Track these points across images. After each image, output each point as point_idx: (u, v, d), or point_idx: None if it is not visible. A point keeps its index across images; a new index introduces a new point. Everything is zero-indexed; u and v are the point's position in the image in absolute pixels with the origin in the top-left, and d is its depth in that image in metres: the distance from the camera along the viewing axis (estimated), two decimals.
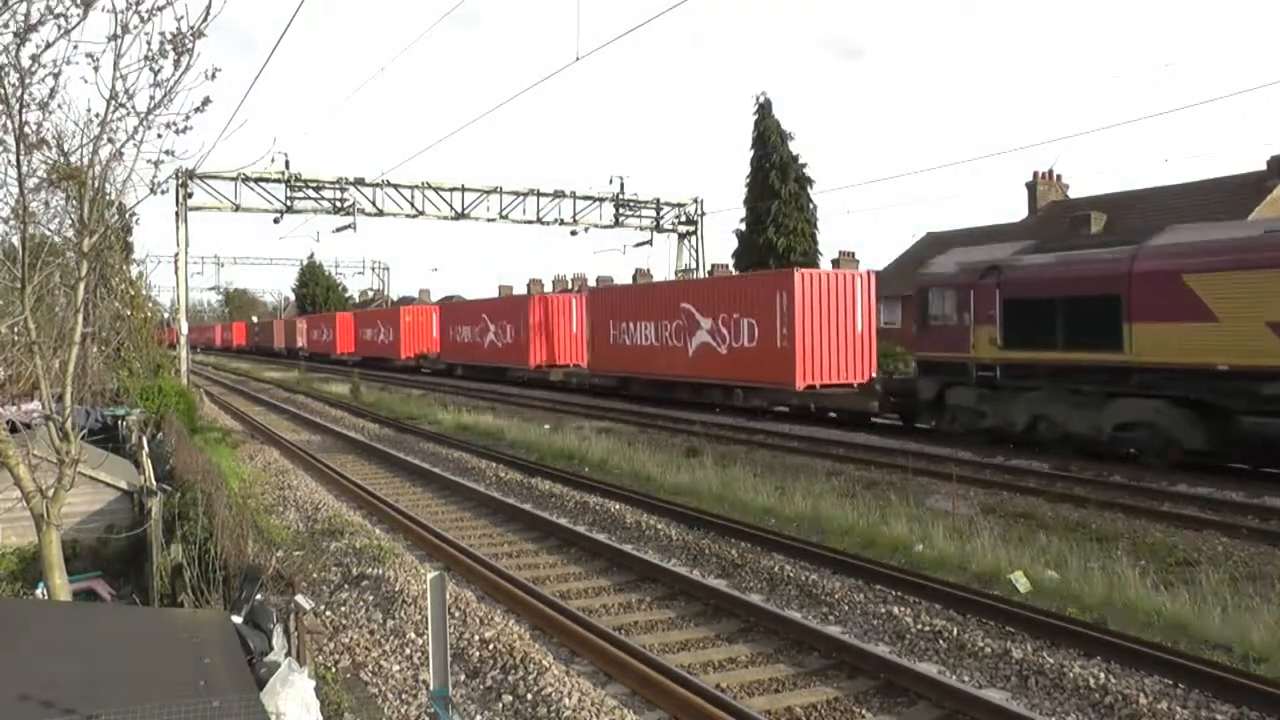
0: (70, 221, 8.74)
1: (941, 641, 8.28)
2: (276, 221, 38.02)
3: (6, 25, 5.75)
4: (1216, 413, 15.02)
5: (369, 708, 7.00)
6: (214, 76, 6.16)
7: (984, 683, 7.53)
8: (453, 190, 39.35)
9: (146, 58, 6.00)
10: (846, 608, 9.32)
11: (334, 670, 7.71)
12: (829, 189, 51.78)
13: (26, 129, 6.02)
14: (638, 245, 44.09)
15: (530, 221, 40.73)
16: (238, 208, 36.71)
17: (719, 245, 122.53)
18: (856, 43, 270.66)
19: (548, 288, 74.56)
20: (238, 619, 6.18)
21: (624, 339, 31.92)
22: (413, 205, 39.03)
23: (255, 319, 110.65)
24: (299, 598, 6.53)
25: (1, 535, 10.20)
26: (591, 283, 70.48)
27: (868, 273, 25.75)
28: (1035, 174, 41.40)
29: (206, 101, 6.22)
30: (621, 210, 41.91)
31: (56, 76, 6.01)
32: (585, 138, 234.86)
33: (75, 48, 5.87)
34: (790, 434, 21.58)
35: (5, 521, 9.67)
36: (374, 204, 38.45)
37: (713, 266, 48.57)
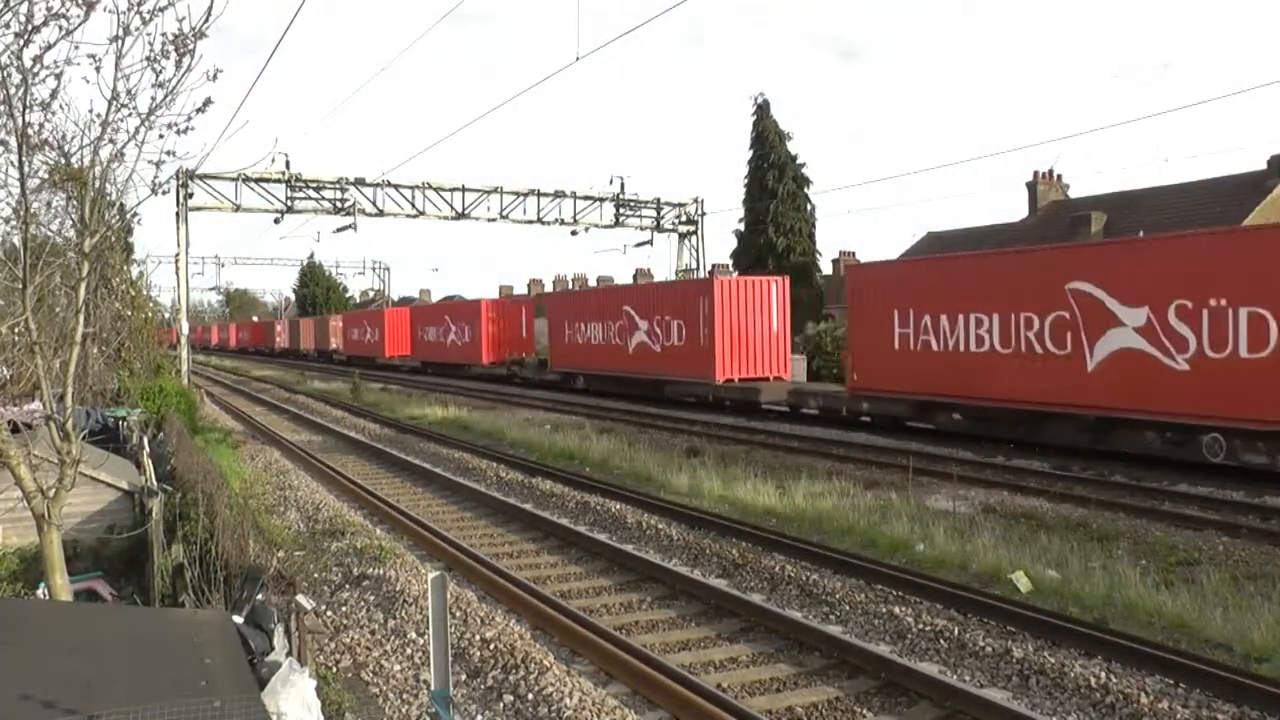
0: (71, 222, 8.75)
1: (942, 641, 8.28)
2: (277, 222, 38.03)
3: (8, 26, 5.76)
4: None
5: (370, 708, 7.01)
6: (215, 77, 6.16)
7: (985, 682, 7.53)
8: (453, 190, 39.34)
9: (148, 58, 6.01)
10: (847, 607, 9.32)
11: (335, 670, 7.71)
12: (829, 189, 51.79)
13: (29, 130, 6.02)
14: (638, 245, 44.11)
15: (530, 221, 40.72)
16: (238, 208, 36.71)
17: (719, 245, 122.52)
18: (855, 43, 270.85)
19: (548, 288, 74.69)
20: (239, 619, 6.17)
21: (577, 338, 34.90)
22: (413, 205, 39.02)
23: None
24: (300, 598, 6.53)
25: (2, 535, 10.20)
26: (592, 282, 70.71)
27: (782, 279, 28.83)
28: (1035, 174, 41.37)
29: (208, 102, 6.22)
30: (622, 210, 41.89)
31: (58, 77, 6.02)
32: (585, 138, 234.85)
33: (77, 48, 5.88)
34: (791, 434, 21.57)
35: (6, 522, 9.67)
36: (374, 204, 38.45)
37: (714, 266, 48.56)
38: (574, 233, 41.71)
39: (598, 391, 33.67)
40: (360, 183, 38.04)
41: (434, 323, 50.73)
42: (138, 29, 5.91)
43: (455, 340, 47.19)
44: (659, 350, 29.89)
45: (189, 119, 6.25)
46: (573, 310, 36.03)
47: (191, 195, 35.49)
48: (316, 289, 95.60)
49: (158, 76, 6.08)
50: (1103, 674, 7.24)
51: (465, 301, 53.72)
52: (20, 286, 6.28)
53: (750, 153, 44.50)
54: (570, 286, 72.06)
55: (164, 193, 7.19)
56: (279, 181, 36.86)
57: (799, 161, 43.97)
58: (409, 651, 8.17)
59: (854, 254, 52.39)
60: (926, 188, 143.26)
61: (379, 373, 51.08)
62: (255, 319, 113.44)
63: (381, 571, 10.30)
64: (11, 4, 5.75)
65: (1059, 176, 41.41)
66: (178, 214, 35.36)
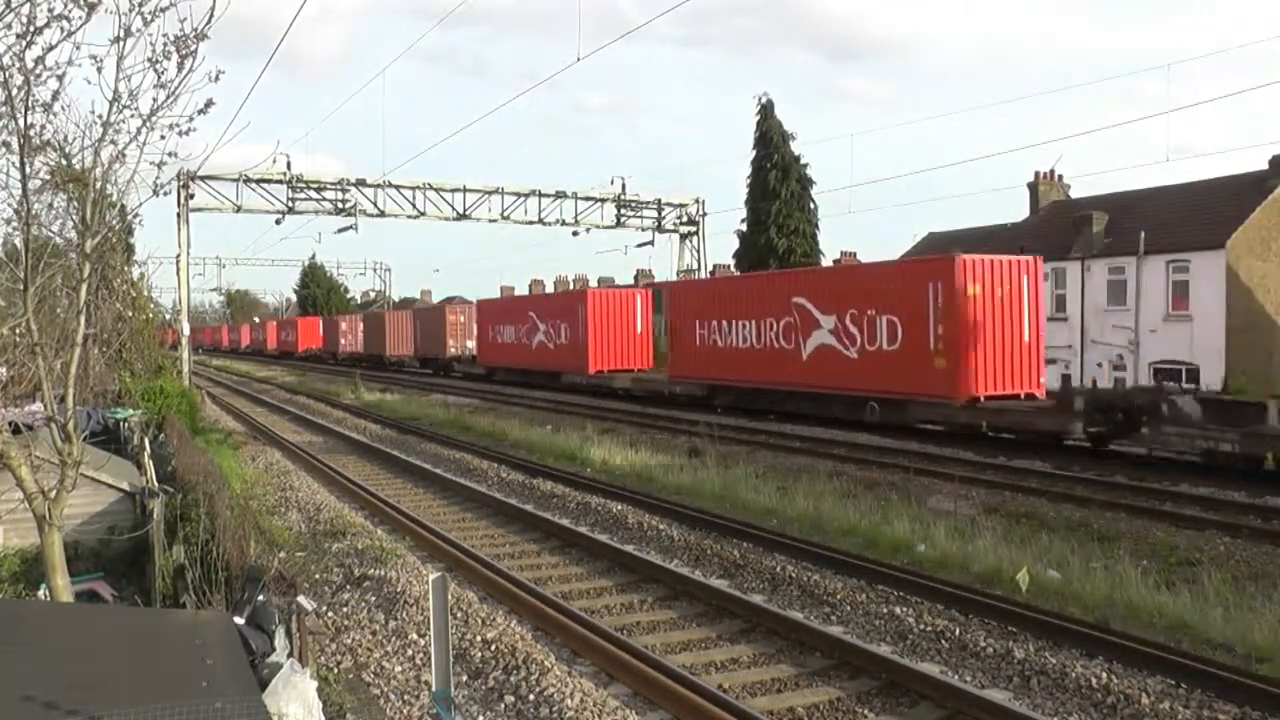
0: (73, 223, 8.74)
1: (944, 641, 8.28)
2: (278, 222, 38.07)
3: (10, 27, 5.77)
4: None
5: (371, 708, 7.01)
6: (217, 79, 6.16)
7: (986, 683, 7.53)
8: (454, 191, 39.37)
9: (150, 60, 6.01)
10: (849, 608, 9.32)
11: (336, 671, 7.71)
12: (831, 189, 51.77)
13: (30, 131, 6.03)
14: (639, 246, 44.13)
15: (532, 222, 40.74)
16: (239, 209, 36.75)
17: (720, 246, 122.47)
18: (854, 44, 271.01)
19: (549, 288, 74.57)
20: (240, 620, 6.17)
21: (715, 340, 27.45)
22: (414, 206, 39.05)
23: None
24: (301, 599, 6.52)
25: (3, 537, 10.20)
26: (593, 283, 70.49)
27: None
28: (1036, 174, 41.33)
29: (210, 103, 6.22)
30: (623, 211, 41.90)
31: (60, 79, 6.02)
32: (586, 138, 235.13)
33: (79, 49, 5.88)
34: (792, 434, 21.57)
35: (7, 523, 9.66)
36: (375, 205, 38.48)
37: (714, 267, 48.58)
38: (575, 233, 41.73)
39: (743, 409, 26.15)
40: (361, 183, 38.07)
41: (513, 319, 40.93)
42: (139, 30, 5.91)
43: (545, 342, 37.81)
44: (854, 357, 22.49)
45: (191, 120, 6.26)
46: (707, 304, 28.32)
47: (193, 196, 35.53)
48: (318, 290, 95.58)
49: (159, 78, 6.09)
50: (1104, 674, 7.24)
51: (563, 293, 49.63)
52: (22, 288, 6.28)
53: (753, 153, 44.49)
54: (571, 288, 71.73)
55: (165, 194, 7.21)
56: (280, 182, 36.88)
57: (802, 163, 43.97)
58: (410, 652, 8.17)
59: (855, 254, 52.38)
60: (928, 188, 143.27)
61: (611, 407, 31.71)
62: (279, 317, 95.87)
63: (383, 572, 10.31)
64: (14, 5, 5.75)
65: (1060, 177, 41.37)
66: (179, 215, 35.39)
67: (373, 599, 9.66)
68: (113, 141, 6.37)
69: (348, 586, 10.24)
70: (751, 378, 25.99)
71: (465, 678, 7.58)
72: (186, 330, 36.81)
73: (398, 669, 7.82)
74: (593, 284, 70.41)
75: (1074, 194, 41.15)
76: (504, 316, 42.08)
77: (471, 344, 47.49)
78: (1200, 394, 18.29)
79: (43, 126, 6.25)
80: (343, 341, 63.60)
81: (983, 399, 19.56)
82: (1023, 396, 19.84)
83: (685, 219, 43.44)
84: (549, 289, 74.08)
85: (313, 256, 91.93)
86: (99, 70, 5.96)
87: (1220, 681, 6.94)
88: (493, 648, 7.95)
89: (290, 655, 5.97)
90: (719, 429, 19.99)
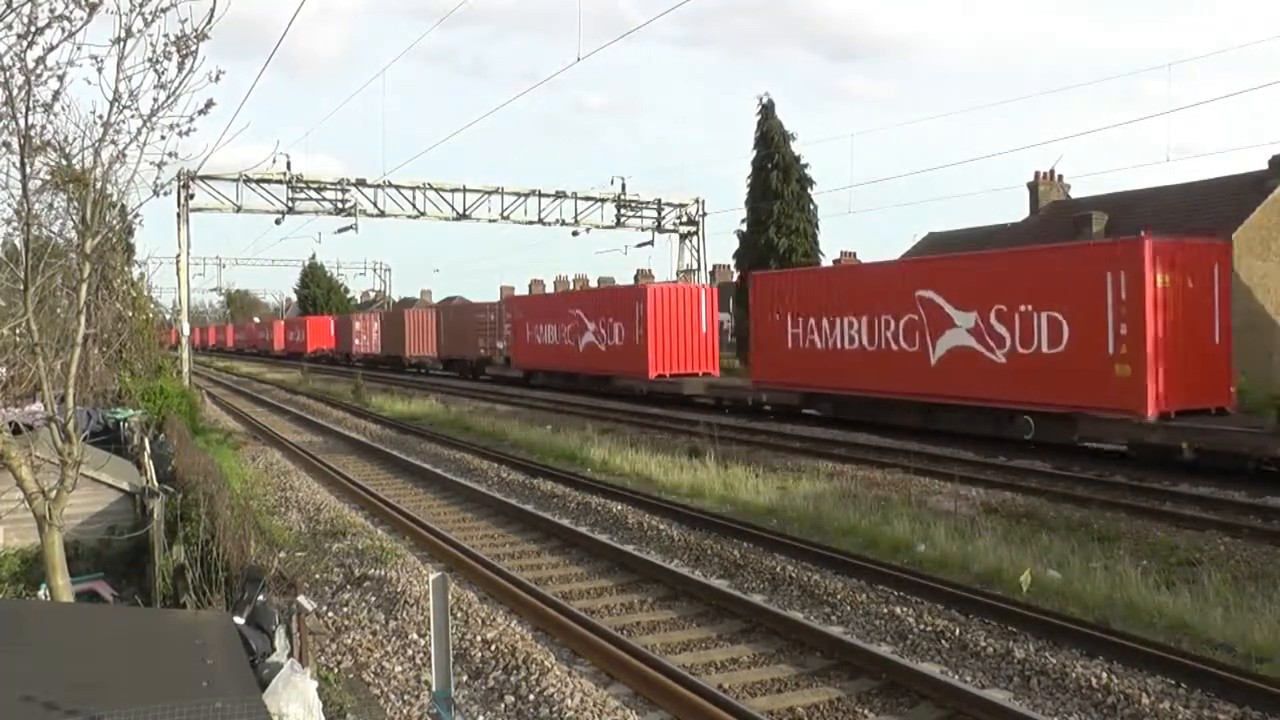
0: (73, 223, 8.74)
1: (944, 641, 8.29)
2: (278, 222, 38.07)
3: (11, 27, 5.77)
4: None
5: (371, 708, 7.01)
6: (218, 79, 6.16)
7: (986, 683, 7.53)
8: (454, 191, 39.37)
9: (150, 60, 6.01)
10: (849, 608, 9.33)
11: (336, 671, 7.72)
12: (831, 189, 51.77)
13: (31, 131, 6.03)
14: (639, 246, 44.17)
15: (532, 222, 40.74)
16: (239, 209, 36.75)
17: (720, 246, 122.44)
18: (854, 44, 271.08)
19: (549, 288, 74.56)
20: (240, 620, 6.17)
21: (813, 341, 23.59)
22: (414, 206, 39.05)
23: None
24: (301, 599, 6.52)
25: (4, 537, 10.20)
26: (593, 283, 70.45)
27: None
28: (1036, 174, 41.31)
29: (210, 104, 6.22)
30: (623, 211, 41.92)
31: (61, 79, 6.02)
32: (586, 138, 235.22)
33: (79, 49, 5.88)
34: (792, 434, 21.57)
35: (7, 523, 9.66)
36: (375, 205, 38.49)
37: (714, 267, 48.61)
38: (575, 233, 41.74)
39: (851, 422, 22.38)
40: (361, 183, 38.08)
41: (555, 318, 36.58)
42: (140, 30, 5.91)
43: (596, 343, 33.80)
44: (1002, 361, 18.74)
45: (191, 120, 6.26)
46: (805, 298, 24.11)
47: (193, 196, 35.54)
48: (317, 290, 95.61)
49: (160, 78, 6.09)
50: (1104, 674, 7.24)
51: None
52: (22, 288, 6.28)
53: (754, 153, 44.47)
54: (571, 288, 71.68)
55: (165, 194, 7.21)
56: (280, 182, 36.89)
57: (803, 163, 43.96)
58: (410, 652, 8.17)
59: (855, 254, 52.35)
60: (927, 188, 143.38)
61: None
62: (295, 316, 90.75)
63: (383, 572, 10.31)
64: (15, 5, 5.75)
65: (1060, 177, 41.37)
66: (179, 215, 35.40)
67: (373, 599, 9.66)
68: (113, 142, 6.37)
69: (348, 586, 10.24)
70: (859, 385, 21.90)
71: (465, 678, 7.58)
72: (187, 330, 36.81)
73: (398, 669, 7.82)
74: (593, 284, 70.41)
75: (1074, 194, 41.14)
76: (545, 314, 37.29)
77: (502, 344, 42.36)
78: None
79: (43, 126, 6.25)
80: (356, 342, 59.90)
81: (1173, 415, 16.33)
82: (1213, 411, 16.89)
83: (685, 219, 43.46)
84: (549, 289, 74.08)
85: (313, 256, 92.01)
86: (99, 70, 5.96)
87: (1220, 681, 6.94)
88: (493, 648, 7.95)
89: (290, 655, 5.97)
90: (719, 429, 19.97)
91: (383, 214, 38.78)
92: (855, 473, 16.19)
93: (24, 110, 5.93)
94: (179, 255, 36.04)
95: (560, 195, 40.69)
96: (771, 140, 43.50)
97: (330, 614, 9.18)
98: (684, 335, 31.16)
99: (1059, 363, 17.55)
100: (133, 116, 6.23)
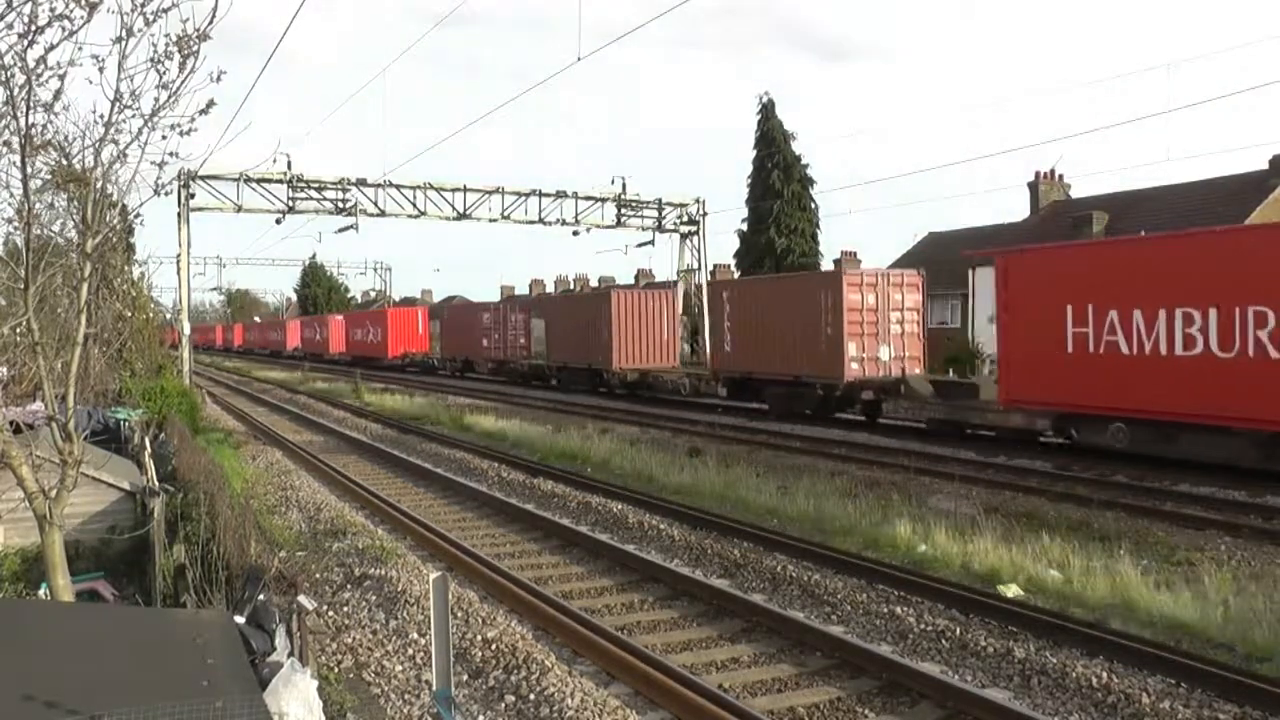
0: (73, 223, 8.75)
1: (944, 641, 8.29)
2: (279, 222, 37.94)
3: (12, 26, 5.77)
4: None
5: (371, 708, 7.01)
6: (219, 79, 6.17)
7: (986, 682, 7.53)
8: (454, 190, 39.31)
9: (152, 60, 6.01)
10: (849, 608, 9.32)
11: (337, 670, 7.72)
12: (831, 189, 51.80)
13: (32, 131, 6.03)
14: (640, 245, 44.04)
15: (532, 222, 40.66)
16: (240, 208, 36.67)
17: (720, 246, 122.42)
18: (854, 43, 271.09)
19: (549, 288, 74.57)
20: (240, 619, 6.17)
21: (1115, 342, 15.93)
22: (414, 206, 39.00)
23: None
24: (301, 598, 6.53)
25: (4, 536, 10.20)
26: (594, 283, 70.36)
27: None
28: (1037, 174, 41.30)
29: (211, 104, 6.22)
30: (623, 210, 41.85)
31: (62, 78, 6.02)
32: (587, 138, 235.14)
33: (80, 49, 5.89)
34: (793, 434, 21.57)
35: (8, 522, 9.66)
36: (376, 204, 38.41)
37: (714, 267, 48.57)
38: (575, 233, 41.69)
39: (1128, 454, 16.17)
40: (362, 183, 38.02)
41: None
42: (141, 30, 5.91)
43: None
44: None
45: (192, 120, 6.26)
46: (1102, 281, 16.21)
47: (193, 196, 35.46)
48: (318, 289, 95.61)
49: (161, 78, 6.09)
50: (1104, 674, 7.24)
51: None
52: (23, 287, 6.28)
53: (754, 153, 44.49)
54: (572, 288, 71.65)
55: (166, 194, 7.20)
56: (280, 182, 36.82)
57: (803, 162, 43.99)
58: (411, 652, 8.17)
59: (855, 254, 52.29)
60: (928, 188, 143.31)
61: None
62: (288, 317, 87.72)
63: (383, 572, 10.31)
64: (15, 4, 5.76)
65: (1060, 176, 41.37)
66: (179, 214, 35.33)
67: (373, 598, 9.66)
68: (114, 141, 6.37)
69: (348, 586, 10.24)
70: (1201, 409, 14.50)
71: (466, 677, 7.58)
72: (187, 329, 36.77)
73: (398, 668, 7.82)
74: (593, 284, 70.38)
75: (1074, 194, 41.14)
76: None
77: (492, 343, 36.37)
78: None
79: (44, 126, 6.26)
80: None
81: None
82: None
83: (685, 219, 43.40)
84: (549, 289, 74.09)
85: (313, 256, 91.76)
86: (100, 70, 5.96)
87: (1220, 681, 6.94)
88: (493, 647, 7.95)
89: (291, 654, 5.97)
90: (719, 429, 19.96)
91: (383, 214, 38.70)
92: (856, 472, 16.19)
93: (25, 110, 5.93)
94: (179, 255, 35.98)
95: (560, 195, 40.63)
96: (772, 140, 43.53)
97: (331, 613, 9.18)
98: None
99: None
100: (134, 116, 6.23)
